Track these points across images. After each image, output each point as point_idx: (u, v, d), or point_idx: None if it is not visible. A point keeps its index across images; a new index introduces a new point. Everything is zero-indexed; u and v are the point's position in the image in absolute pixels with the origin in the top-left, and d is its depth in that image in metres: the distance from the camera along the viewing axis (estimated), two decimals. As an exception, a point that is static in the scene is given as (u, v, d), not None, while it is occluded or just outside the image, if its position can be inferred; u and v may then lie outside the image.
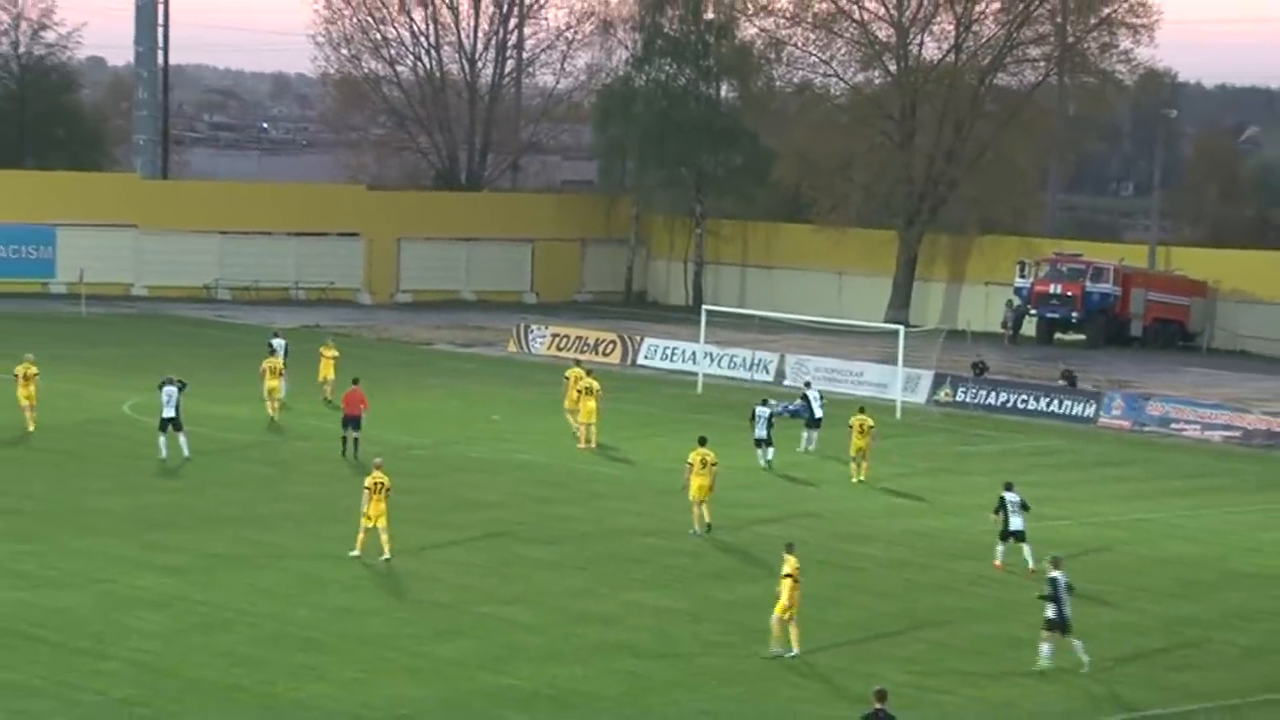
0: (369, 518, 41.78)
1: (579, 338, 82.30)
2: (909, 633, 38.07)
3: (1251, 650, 38.32)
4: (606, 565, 42.93)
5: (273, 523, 45.69)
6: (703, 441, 46.71)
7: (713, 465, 46.06)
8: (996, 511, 43.98)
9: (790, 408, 63.13)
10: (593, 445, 57.62)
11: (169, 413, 52.57)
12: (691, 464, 46.15)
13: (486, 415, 64.44)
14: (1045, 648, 35.22)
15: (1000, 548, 43.81)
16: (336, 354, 64.79)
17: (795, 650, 35.33)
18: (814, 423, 58.73)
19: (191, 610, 37.41)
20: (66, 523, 44.89)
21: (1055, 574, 35.60)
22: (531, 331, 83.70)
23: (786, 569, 35.39)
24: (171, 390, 52.66)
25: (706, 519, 46.16)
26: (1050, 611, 35.27)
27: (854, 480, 54.24)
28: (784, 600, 35.28)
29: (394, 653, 34.96)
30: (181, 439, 52.79)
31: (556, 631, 36.97)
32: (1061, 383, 73.26)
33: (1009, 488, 44.07)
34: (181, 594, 38.63)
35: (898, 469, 56.83)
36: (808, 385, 61.73)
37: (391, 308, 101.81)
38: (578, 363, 63.84)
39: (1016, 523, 43.63)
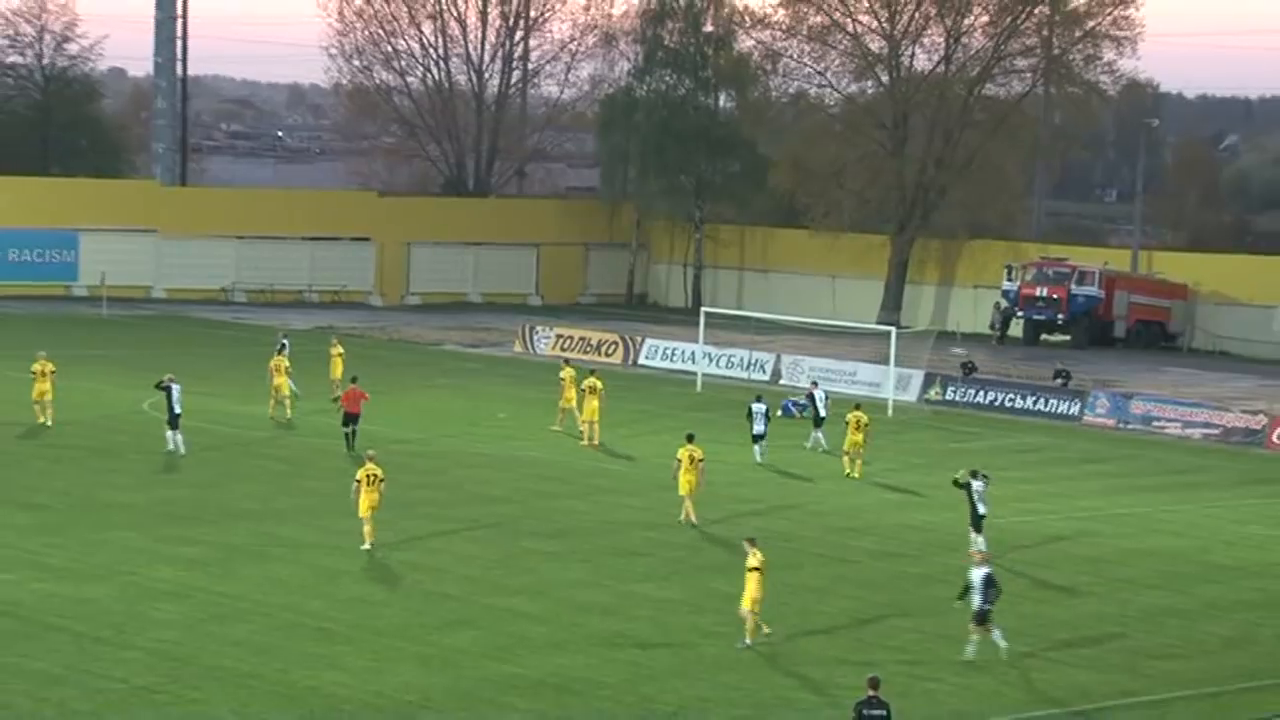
0: (364, 508, 42.00)
1: (582, 338, 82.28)
2: (900, 622, 38.08)
3: (1230, 640, 38.33)
4: (608, 558, 42.95)
5: (287, 517, 45.70)
6: (690, 438, 46.94)
7: (700, 461, 46.25)
8: (957, 485, 44.02)
9: (796, 403, 63.60)
10: (595, 442, 57.62)
11: (179, 409, 52.91)
12: (680, 460, 46.34)
13: (493, 413, 64.46)
14: (999, 636, 34.95)
15: (979, 538, 43.80)
16: (341, 350, 64.88)
17: (767, 630, 35.28)
18: (820, 421, 58.77)
19: (209, 601, 37.44)
20: (90, 517, 44.95)
21: (985, 570, 35.31)
22: (536, 332, 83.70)
23: (754, 562, 35.36)
24: (179, 388, 53.06)
25: (692, 517, 46.23)
26: (976, 605, 35.00)
27: (847, 475, 54.26)
28: (752, 592, 35.22)
29: (404, 642, 34.99)
30: (179, 435, 53.28)
31: (560, 622, 37.00)
32: (1058, 381, 73.47)
33: (975, 475, 44.11)
34: (200, 585, 38.67)
35: (890, 465, 56.82)
36: (814, 384, 61.83)
37: (401, 309, 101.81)
38: (566, 362, 64.13)
39: (982, 509, 43.74)
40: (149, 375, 67.27)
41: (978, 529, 43.76)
